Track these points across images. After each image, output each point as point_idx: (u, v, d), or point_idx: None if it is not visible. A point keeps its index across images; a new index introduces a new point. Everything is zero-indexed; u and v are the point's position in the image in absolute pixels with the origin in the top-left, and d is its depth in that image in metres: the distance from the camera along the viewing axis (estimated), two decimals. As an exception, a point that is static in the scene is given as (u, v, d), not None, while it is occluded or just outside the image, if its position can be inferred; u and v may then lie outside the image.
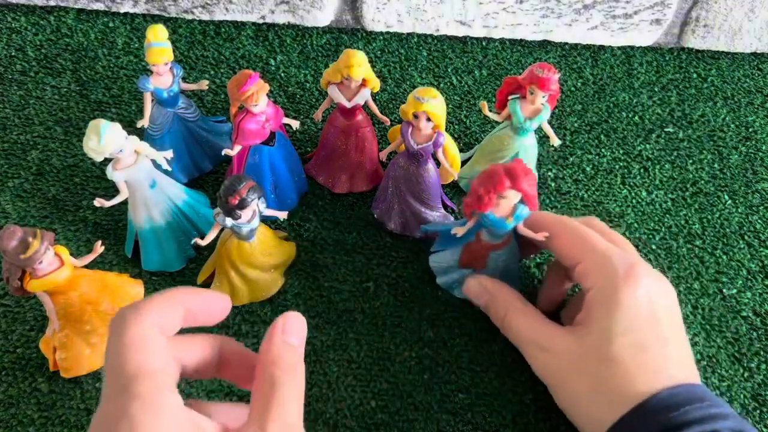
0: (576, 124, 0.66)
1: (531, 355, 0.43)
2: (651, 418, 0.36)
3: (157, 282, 0.51)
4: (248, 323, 0.50)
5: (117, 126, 0.43)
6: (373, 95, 0.54)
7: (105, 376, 0.26)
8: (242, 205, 0.42)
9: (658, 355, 0.39)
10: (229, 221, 0.43)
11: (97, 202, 0.46)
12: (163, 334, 0.27)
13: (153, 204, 0.48)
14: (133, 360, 0.25)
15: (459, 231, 0.47)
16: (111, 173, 0.45)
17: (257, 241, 0.47)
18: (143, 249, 0.50)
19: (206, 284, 0.50)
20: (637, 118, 0.67)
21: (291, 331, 0.30)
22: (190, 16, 0.71)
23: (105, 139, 0.41)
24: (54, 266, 0.41)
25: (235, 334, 0.49)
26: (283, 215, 0.48)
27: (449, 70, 0.70)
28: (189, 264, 0.52)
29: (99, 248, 0.44)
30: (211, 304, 0.31)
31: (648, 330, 0.39)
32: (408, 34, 0.73)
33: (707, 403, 0.36)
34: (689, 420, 0.35)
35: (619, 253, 0.41)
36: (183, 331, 0.30)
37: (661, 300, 0.41)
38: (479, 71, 0.70)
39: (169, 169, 0.48)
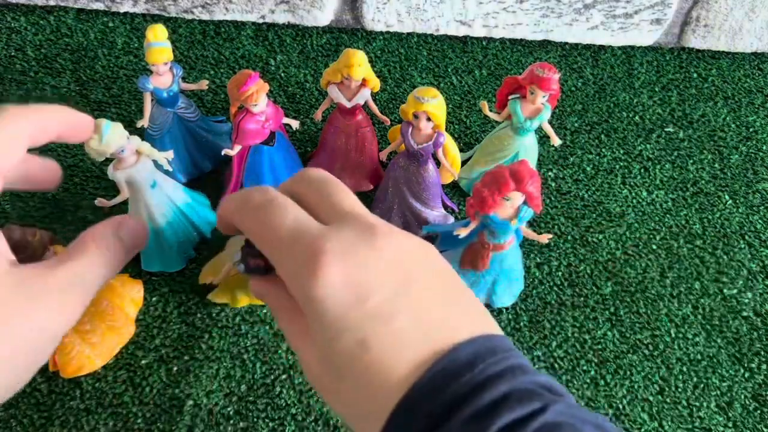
0: (576, 124, 0.66)
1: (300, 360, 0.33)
2: (411, 419, 0.26)
3: (156, 282, 0.51)
4: (248, 323, 0.50)
5: (118, 126, 0.43)
6: (373, 95, 0.54)
7: None
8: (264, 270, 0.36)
9: (389, 339, 0.28)
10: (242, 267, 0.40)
11: (98, 202, 0.46)
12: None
13: (153, 204, 0.47)
14: None
15: (462, 232, 0.46)
16: (112, 174, 0.45)
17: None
18: (143, 249, 0.50)
19: (208, 288, 0.50)
20: (637, 118, 0.67)
21: (127, 229, 0.33)
22: (189, 16, 0.71)
23: (106, 138, 0.41)
24: None
25: (234, 334, 0.49)
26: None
27: (449, 69, 0.70)
28: (189, 264, 0.52)
29: None
30: (78, 126, 0.34)
31: (361, 319, 0.28)
32: (408, 33, 0.73)
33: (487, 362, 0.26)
34: (462, 393, 0.25)
35: (299, 228, 0.29)
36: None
37: (375, 269, 0.29)
38: (479, 71, 0.70)
39: (170, 169, 0.48)
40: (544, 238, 0.46)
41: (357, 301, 0.28)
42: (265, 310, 0.50)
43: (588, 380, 0.48)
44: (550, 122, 0.53)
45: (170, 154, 0.47)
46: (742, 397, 0.49)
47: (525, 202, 0.43)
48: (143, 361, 0.47)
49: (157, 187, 0.47)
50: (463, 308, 0.30)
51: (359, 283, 0.29)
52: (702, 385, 0.49)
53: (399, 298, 0.29)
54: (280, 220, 0.30)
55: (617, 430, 0.26)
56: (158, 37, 0.49)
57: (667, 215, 0.59)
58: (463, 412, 0.25)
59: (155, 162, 0.47)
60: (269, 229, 0.30)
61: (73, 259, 0.30)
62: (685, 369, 0.50)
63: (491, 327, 0.30)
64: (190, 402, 0.46)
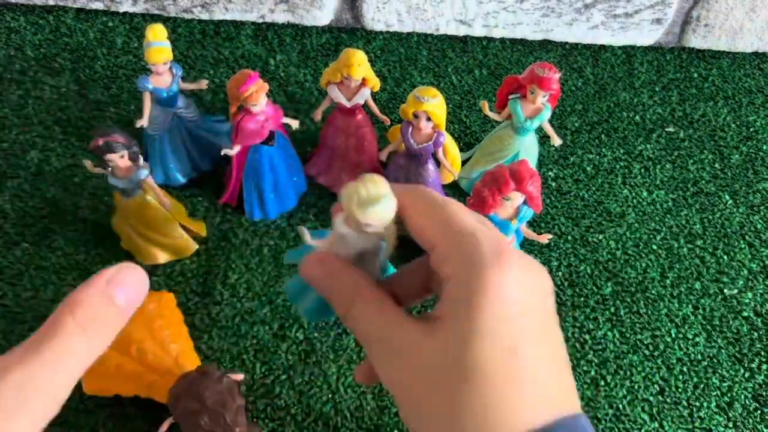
0: (577, 124, 0.66)
1: (375, 355, 0.31)
2: None
3: (156, 282, 0.51)
4: (248, 323, 0.49)
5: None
6: (373, 95, 0.54)
7: None
8: (100, 152, 0.44)
9: (533, 365, 0.28)
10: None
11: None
12: None
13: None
14: None
15: None
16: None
17: (135, 205, 0.48)
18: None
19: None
20: (637, 117, 0.67)
21: (119, 282, 0.25)
22: (189, 16, 0.71)
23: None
24: None
25: (234, 334, 0.49)
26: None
27: (449, 69, 0.70)
28: (189, 265, 0.52)
29: None
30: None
31: (518, 331, 0.29)
32: (408, 33, 0.73)
33: None
34: None
35: (489, 235, 0.30)
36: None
37: (537, 296, 0.30)
38: (479, 71, 0.70)
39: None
40: (544, 238, 0.46)
41: (521, 311, 0.29)
42: (265, 311, 0.50)
43: (588, 380, 0.48)
44: (550, 122, 0.53)
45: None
46: (743, 397, 0.48)
47: (525, 202, 0.43)
48: (143, 362, 0.47)
49: (362, 260, 0.38)
50: (569, 371, 0.31)
51: (528, 296, 0.29)
52: (702, 386, 0.49)
53: (548, 330, 0.30)
54: (465, 212, 0.31)
55: None
56: (158, 37, 0.49)
57: (668, 215, 0.59)
58: None
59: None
60: (453, 214, 0.30)
61: (38, 351, 0.24)
62: (685, 369, 0.50)
63: (575, 401, 0.30)
64: (190, 402, 0.46)
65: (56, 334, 0.24)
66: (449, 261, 0.30)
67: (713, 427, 0.47)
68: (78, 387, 0.42)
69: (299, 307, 0.40)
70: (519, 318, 0.28)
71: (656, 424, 0.47)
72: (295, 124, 0.53)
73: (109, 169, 0.45)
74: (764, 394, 0.49)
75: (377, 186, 0.31)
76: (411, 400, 0.30)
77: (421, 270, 0.35)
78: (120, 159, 0.45)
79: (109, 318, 0.25)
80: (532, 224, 0.57)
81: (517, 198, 0.43)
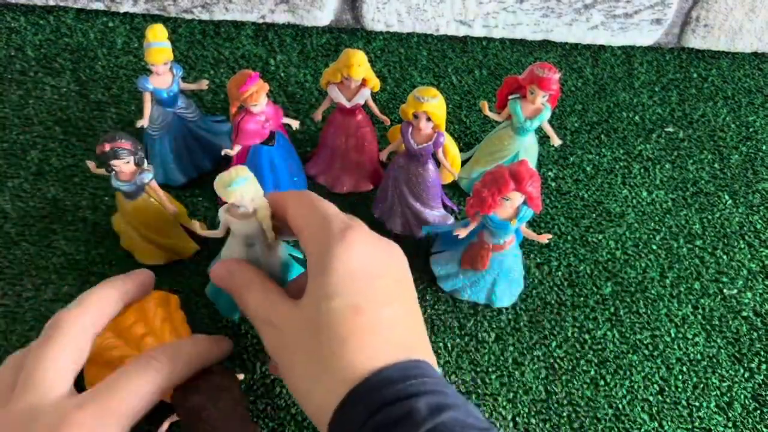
0: (576, 124, 0.66)
1: (263, 333, 0.38)
2: (368, 396, 0.31)
3: (156, 282, 0.51)
4: (248, 323, 0.49)
5: (252, 185, 0.40)
6: (373, 95, 0.54)
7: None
8: (105, 157, 0.44)
9: (372, 319, 0.34)
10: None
11: (201, 229, 0.46)
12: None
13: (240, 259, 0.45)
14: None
15: (461, 232, 0.46)
16: (221, 212, 0.43)
17: (138, 207, 0.48)
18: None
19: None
20: (637, 118, 0.67)
21: (160, 354, 0.37)
22: (189, 16, 0.71)
23: (233, 188, 0.40)
24: None
25: (234, 334, 0.49)
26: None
27: (449, 69, 0.70)
28: (189, 264, 0.52)
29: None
30: (139, 287, 0.41)
31: (362, 292, 0.34)
32: (408, 33, 0.73)
33: (426, 380, 0.32)
34: (416, 392, 0.31)
35: (341, 217, 0.37)
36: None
37: (381, 265, 0.36)
38: (479, 71, 0.70)
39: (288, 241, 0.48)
40: (544, 238, 0.46)
41: (366, 277, 0.35)
42: (265, 310, 0.50)
43: (588, 380, 0.48)
44: (550, 122, 0.53)
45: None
46: (742, 397, 0.49)
47: (525, 202, 0.43)
48: (143, 361, 0.47)
49: (253, 248, 0.44)
50: (425, 338, 0.37)
51: (374, 265, 0.35)
52: (702, 385, 0.49)
53: (395, 295, 0.36)
54: (329, 205, 0.39)
55: None
56: (158, 37, 0.49)
57: (667, 215, 0.59)
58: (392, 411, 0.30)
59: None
60: (317, 206, 0.38)
61: (105, 397, 0.34)
62: (684, 369, 0.50)
63: (430, 355, 0.36)
64: (190, 402, 0.46)
65: (126, 372, 0.36)
66: (309, 241, 0.37)
67: (713, 427, 0.47)
68: (77, 387, 0.42)
69: (218, 305, 0.48)
70: (362, 282, 0.35)
71: (656, 424, 0.47)
72: (295, 124, 0.53)
73: (113, 172, 0.45)
74: (764, 394, 0.49)
75: (237, 171, 0.39)
76: (283, 361, 0.36)
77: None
78: (125, 165, 0.45)
79: (175, 369, 0.37)
80: (532, 224, 0.57)
81: (517, 198, 0.43)
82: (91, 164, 0.47)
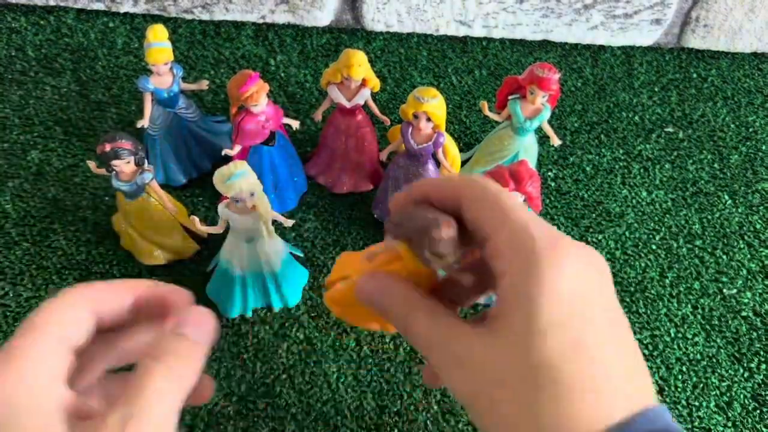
0: (576, 124, 0.66)
1: (443, 368, 0.30)
2: None
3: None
4: (248, 323, 0.50)
5: (250, 177, 0.42)
6: (373, 95, 0.54)
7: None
8: (106, 157, 0.44)
9: (600, 359, 0.27)
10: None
11: (197, 224, 0.45)
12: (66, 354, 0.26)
13: (239, 254, 0.46)
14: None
15: None
16: (220, 208, 0.44)
17: (137, 207, 0.48)
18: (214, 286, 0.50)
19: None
20: (637, 118, 0.67)
21: (186, 323, 0.28)
22: (189, 16, 0.71)
23: (232, 181, 0.41)
24: None
25: (234, 334, 0.49)
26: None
27: (449, 70, 0.70)
28: (189, 264, 0.52)
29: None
30: (122, 297, 0.29)
31: (582, 324, 0.27)
32: (408, 34, 0.73)
33: None
34: None
35: (542, 227, 0.29)
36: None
37: (596, 284, 0.29)
38: (479, 71, 0.70)
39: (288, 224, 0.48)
40: None
41: (584, 303, 0.27)
42: (264, 311, 0.50)
43: (588, 380, 0.48)
44: (549, 122, 0.53)
45: (288, 221, 0.47)
46: (742, 396, 0.49)
47: (524, 202, 0.43)
48: (143, 361, 0.47)
49: (252, 243, 0.46)
50: (643, 364, 0.29)
51: (586, 292, 0.27)
52: (701, 385, 0.49)
53: (614, 321, 0.28)
54: (521, 205, 0.29)
55: None
56: (158, 38, 0.49)
57: (667, 215, 0.59)
58: None
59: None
60: (508, 207, 0.29)
61: (129, 405, 0.25)
62: (684, 369, 0.50)
63: (651, 390, 0.29)
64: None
65: (147, 377, 0.25)
66: (503, 256, 0.29)
67: (712, 427, 0.47)
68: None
69: (218, 305, 0.49)
70: (580, 311, 0.27)
71: (655, 424, 0.47)
72: (295, 124, 0.53)
73: (114, 172, 0.46)
74: (763, 393, 0.49)
75: (235, 165, 0.39)
76: (480, 407, 0.28)
77: (475, 268, 0.33)
78: (126, 165, 0.45)
79: (181, 351, 0.27)
80: (532, 224, 0.57)
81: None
82: (91, 164, 0.47)
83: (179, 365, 0.26)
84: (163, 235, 0.50)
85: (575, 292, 0.27)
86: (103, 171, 0.47)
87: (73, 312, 0.27)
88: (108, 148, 0.44)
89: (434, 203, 0.30)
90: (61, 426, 0.24)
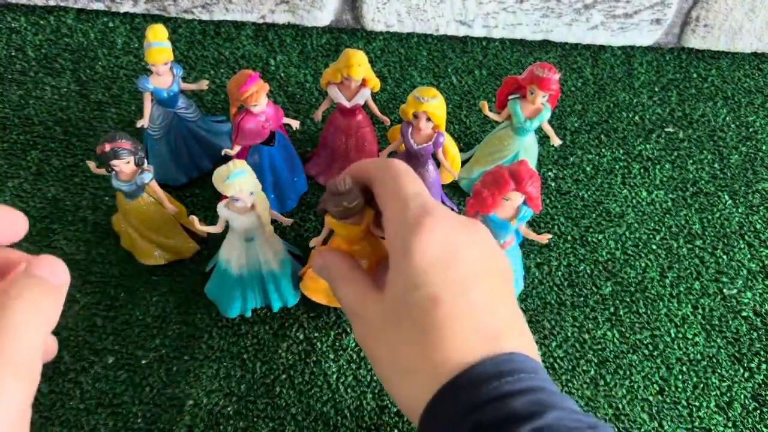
0: (576, 124, 0.66)
1: (352, 323, 0.38)
2: (461, 395, 0.30)
3: (156, 282, 0.51)
4: (248, 323, 0.50)
5: (250, 177, 0.42)
6: (373, 95, 0.54)
7: None
8: (106, 158, 0.44)
9: (454, 310, 0.32)
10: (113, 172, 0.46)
11: (198, 226, 0.45)
12: None
13: (237, 254, 0.46)
14: None
15: None
16: (219, 207, 0.44)
17: (137, 207, 0.48)
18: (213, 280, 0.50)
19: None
20: (637, 118, 0.67)
21: (39, 265, 0.27)
22: (189, 16, 0.71)
23: (231, 180, 0.41)
24: None
25: (234, 334, 0.49)
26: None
27: (449, 70, 0.70)
28: (189, 264, 0.52)
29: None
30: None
31: (441, 282, 0.32)
32: (408, 34, 0.73)
33: (525, 375, 0.30)
34: (513, 391, 0.29)
35: (419, 200, 0.35)
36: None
37: (461, 249, 0.34)
38: (479, 71, 0.70)
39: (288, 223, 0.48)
40: (544, 238, 0.46)
41: (444, 265, 0.33)
42: (264, 311, 0.50)
43: (588, 380, 0.48)
44: (550, 122, 0.53)
45: (287, 220, 0.48)
46: (742, 397, 0.49)
47: (525, 203, 0.43)
48: (143, 361, 0.47)
49: (252, 243, 0.46)
50: (514, 320, 0.34)
51: (452, 252, 0.33)
52: (702, 385, 0.49)
53: (476, 281, 0.33)
54: (410, 183, 0.36)
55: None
56: (158, 37, 0.49)
57: (667, 215, 0.59)
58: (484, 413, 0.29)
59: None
60: (399, 185, 0.35)
61: None
62: (684, 369, 0.50)
63: (532, 347, 0.34)
64: (190, 402, 0.46)
65: (7, 313, 0.24)
66: (388, 226, 0.35)
67: (712, 427, 0.47)
68: (78, 387, 0.42)
69: (218, 305, 0.49)
70: (441, 272, 0.33)
71: (656, 424, 0.47)
72: (295, 124, 0.53)
73: (114, 172, 0.46)
74: (763, 393, 0.49)
75: (235, 164, 0.40)
76: (370, 352, 0.35)
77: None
78: (125, 165, 0.45)
79: (34, 290, 0.26)
80: (532, 224, 0.57)
81: (517, 198, 0.43)
82: (91, 164, 0.47)
83: (40, 301, 0.26)
84: (163, 235, 0.50)
85: (436, 258, 0.33)
86: (102, 171, 0.47)
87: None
88: (108, 148, 0.44)
89: (356, 180, 0.37)
90: None
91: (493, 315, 0.33)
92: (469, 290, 0.33)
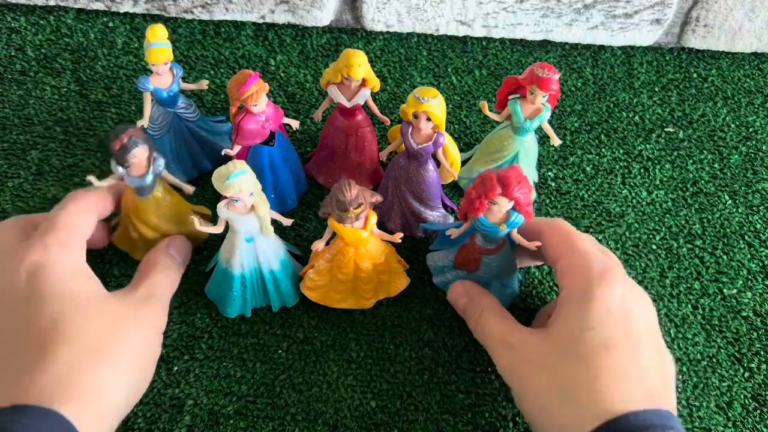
0: (576, 124, 0.66)
1: (498, 353, 0.42)
2: None
3: (156, 282, 0.51)
4: (248, 323, 0.50)
5: (249, 178, 0.42)
6: (373, 95, 0.54)
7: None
8: (124, 151, 0.43)
9: (626, 359, 0.36)
10: (120, 169, 0.44)
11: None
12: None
13: (238, 254, 0.46)
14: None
15: (453, 233, 0.46)
16: (219, 207, 0.44)
17: (153, 201, 0.47)
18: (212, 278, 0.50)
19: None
20: (637, 118, 0.67)
21: (172, 246, 0.48)
22: (189, 16, 0.71)
23: (231, 182, 0.41)
24: None
25: (234, 334, 0.49)
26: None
27: (449, 70, 0.70)
28: (189, 265, 0.52)
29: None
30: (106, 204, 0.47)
31: (617, 331, 0.37)
32: (408, 33, 0.73)
33: None
34: None
35: (599, 256, 0.41)
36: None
37: (636, 308, 0.39)
38: (479, 71, 0.70)
39: (287, 221, 0.48)
40: (534, 246, 0.45)
41: (621, 318, 0.38)
42: (264, 310, 0.50)
43: (588, 380, 0.48)
44: (550, 122, 0.53)
45: (287, 220, 0.48)
46: (742, 397, 0.49)
47: (515, 209, 0.43)
48: (143, 361, 0.47)
49: (251, 243, 0.46)
50: (671, 382, 0.39)
51: (629, 308, 0.38)
52: (702, 385, 0.49)
53: (648, 340, 0.38)
54: (583, 239, 0.43)
55: None
56: (158, 37, 0.49)
57: (667, 215, 0.59)
58: None
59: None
60: (575, 240, 0.42)
61: (143, 283, 0.44)
62: (684, 369, 0.50)
63: (673, 404, 0.39)
64: (190, 402, 0.46)
65: (149, 274, 0.45)
66: (566, 274, 0.41)
67: (712, 427, 0.47)
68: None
69: (218, 305, 0.50)
70: (617, 323, 0.37)
71: (656, 424, 0.47)
72: (295, 124, 0.53)
73: (126, 169, 0.45)
74: (763, 393, 0.49)
75: (234, 164, 0.40)
76: (520, 381, 0.39)
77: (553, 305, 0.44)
78: (143, 152, 0.44)
79: (169, 263, 0.47)
80: (532, 224, 0.57)
81: (504, 203, 0.42)
82: (92, 178, 0.46)
83: (171, 272, 0.47)
84: (182, 222, 0.50)
85: (615, 310, 0.38)
86: (105, 183, 0.45)
87: (86, 218, 0.44)
88: (125, 139, 0.43)
89: (525, 236, 0.44)
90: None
91: (658, 377, 0.38)
92: (641, 346, 0.37)
